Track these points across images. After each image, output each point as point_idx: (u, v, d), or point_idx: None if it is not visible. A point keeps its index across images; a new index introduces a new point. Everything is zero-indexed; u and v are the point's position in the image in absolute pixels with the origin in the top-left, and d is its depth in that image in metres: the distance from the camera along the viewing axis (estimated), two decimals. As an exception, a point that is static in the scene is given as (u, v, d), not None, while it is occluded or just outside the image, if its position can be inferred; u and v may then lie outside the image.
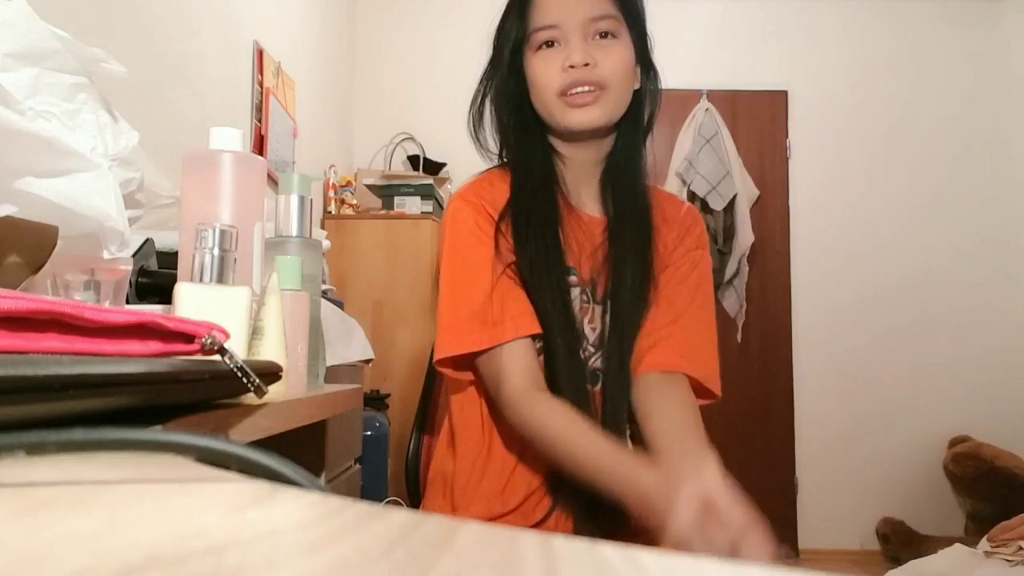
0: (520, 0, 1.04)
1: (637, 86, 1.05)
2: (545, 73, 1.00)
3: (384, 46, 3.75)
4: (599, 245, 1.05)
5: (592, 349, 1.04)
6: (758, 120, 3.77)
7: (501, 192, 1.04)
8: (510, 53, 1.04)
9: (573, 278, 1.03)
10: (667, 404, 0.97)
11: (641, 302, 1.02)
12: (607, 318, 1.03)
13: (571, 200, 1.06)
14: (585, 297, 1.04)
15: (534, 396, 0.94)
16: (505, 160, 1.10)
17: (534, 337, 0.99)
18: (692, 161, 3.55)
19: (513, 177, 1.05)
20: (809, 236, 3.73)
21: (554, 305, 0.98)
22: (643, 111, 1.07)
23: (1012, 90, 3.75)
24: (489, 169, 1.10)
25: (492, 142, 1.10)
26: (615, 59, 0.99)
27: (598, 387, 1.03)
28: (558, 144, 1.06)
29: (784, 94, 3.78)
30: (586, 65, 0.97)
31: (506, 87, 1.05)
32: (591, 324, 1.04)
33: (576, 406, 0.96)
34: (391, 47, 3.75)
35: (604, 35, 1.00)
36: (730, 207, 3.54)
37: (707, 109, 3.65)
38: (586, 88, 0.98)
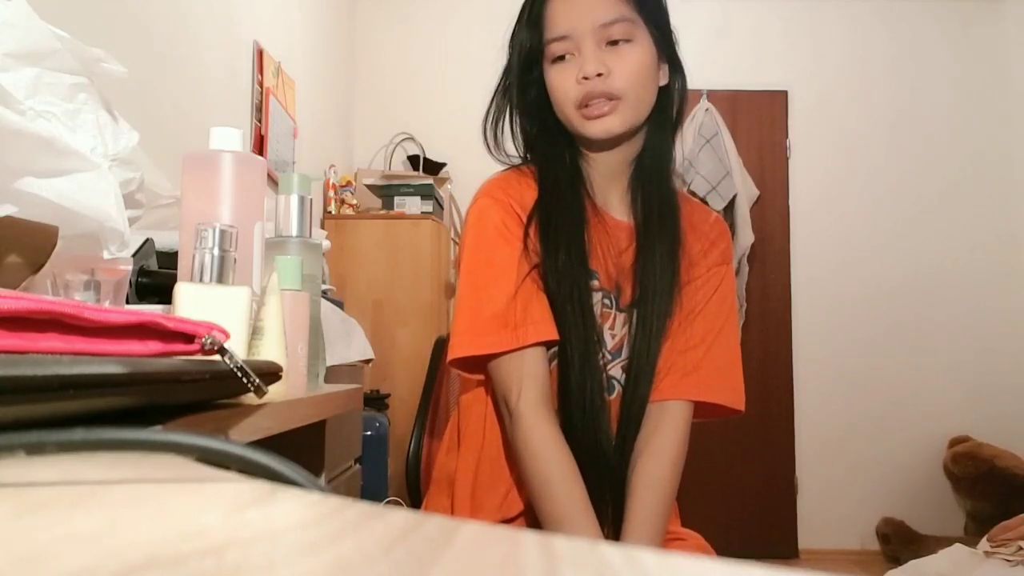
0: (531, 10, 1.02)
1: (664, 82, 1.03)
2: (562, 86, 0.99)
3: (384, 46, 3.75)
4: (624, 250, 1.03)
5: (610, 356, 1.02)
6: (758, 120, 3.77)
7: (529, 190, 1.02)
8: (527, 64, 1.02)
9: (595, 282, 1.01)
10: (653, 455, 0.98)
11: (667, 310, 1.01)
12: (631, 325, 1.01)
13: (597, 203, 1.04)
14: (607, 302, 1.03)
15: (539, 418, 0.94)
16: (529, 159, 1.08)
17: (549, 344, 0.98)
18: (692, 161, 3.55)
19: (540, 180, 1.03)
20: (809, 236, 3.73)
21: (574, 314, 0.97)
22: (671, 109, 1.05)
23: (1012, 90, 3.75)
24: (515, 165, 1.08)
25: (512, 148, 1.08)
26: (630, 66, 0.97)
27: (615, 395, 1.02)
28: (585, 148, 1.04)
29: (784, 94, 3.78)
30: (599, 75, 0.96)
31: (526, 97, 1.04)
32: (611, 330, 1.03)
33: (588, 417, 0.96)
34: (391, 47, 3.75)
35: (618, 41, 0.97)
36: (730, 207, 3.54)
37: (707, 109, 3.64)
38: (601, 100, 0.97)
